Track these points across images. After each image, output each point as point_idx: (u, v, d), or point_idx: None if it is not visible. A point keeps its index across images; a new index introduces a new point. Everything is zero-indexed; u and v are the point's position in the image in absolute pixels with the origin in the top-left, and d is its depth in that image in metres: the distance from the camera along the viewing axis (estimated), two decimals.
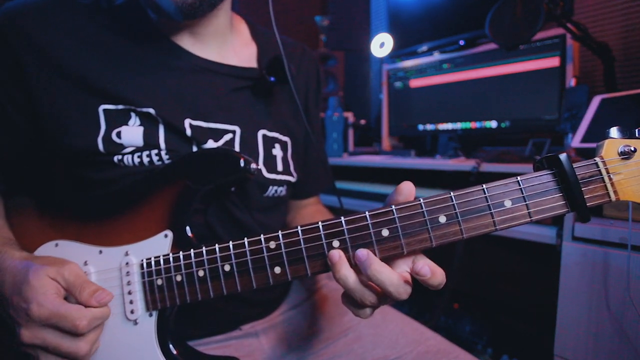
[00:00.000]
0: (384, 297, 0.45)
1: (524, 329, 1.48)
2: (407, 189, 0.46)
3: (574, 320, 0.88)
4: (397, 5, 1.82)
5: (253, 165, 0.56)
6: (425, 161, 1.43)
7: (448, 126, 1.62)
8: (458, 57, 1.56)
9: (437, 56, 1.64)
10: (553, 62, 1.30)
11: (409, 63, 1.75)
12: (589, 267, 0.86)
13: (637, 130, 0.42)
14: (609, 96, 0.97)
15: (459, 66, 1.56)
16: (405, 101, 1.78)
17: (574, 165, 0.41)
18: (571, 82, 1.22)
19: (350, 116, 1.92)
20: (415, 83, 1.73)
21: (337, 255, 0.44)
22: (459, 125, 1.58)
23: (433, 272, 0.42)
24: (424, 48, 1.69)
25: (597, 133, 0.91)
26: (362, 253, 0.44)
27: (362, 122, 2.04)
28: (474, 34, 1.50)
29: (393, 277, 0.43)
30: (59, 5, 0.58)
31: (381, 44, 1.85)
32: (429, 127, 1.69)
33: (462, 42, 1.54)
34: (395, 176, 1.62)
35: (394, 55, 1.84)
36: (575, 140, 0.93)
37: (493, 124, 1.48)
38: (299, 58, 0.81)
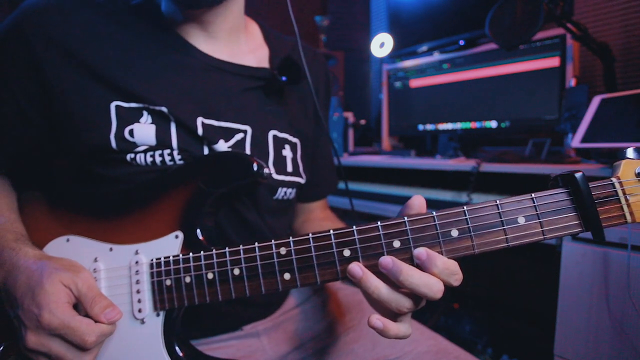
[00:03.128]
0: (418, 299, 0.44)
1: (524, 329, 1.48)
2: (418, 202, 0.45)
3: (574, 320, 0.89)
4: (397, 5, 1.82)
5: (266, 170, 0.56)
6: (425, 161, 1.43)
7: (448, 126, 1.62)
8: (458, 57, 1.56)
9: (437, 56, 1.64)
10: (553, 62, 1.30)
11: (409, 63, 1.75)
12: (589, 267, 0.86)
13: None
14: (609, 96, 0.97)
15: (459, 66, 1.56)
16: (405, 101, 1.78)
17: (590, 184, 0.41)
18: (571, 82, 1.22)
19: (350, 116, 1.92)
20: (415, 83, 1.73)
21: (359, 270, 0.43)
22: (459, 125, 1.58)
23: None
24: (424, 48, 1.69)
25: (597, 133, 0.91)
26: (387, 261, 0.42)
27: (362, 122, 2.04)
28: (474, 34, 1.51)
29: (425, 278, 0.42)
30: (75, 2, 0.59)
31: (381, 44, 1.85)
32: (429, 127, 1.69)
33: (462, 42, 1.55)
34: (395, 176, 1.62)
35: (394, 55, 1.85)
36: (575, 141, 0.93)
37: (493, 124, 1.48)
38: (309, 61, 0.81)
